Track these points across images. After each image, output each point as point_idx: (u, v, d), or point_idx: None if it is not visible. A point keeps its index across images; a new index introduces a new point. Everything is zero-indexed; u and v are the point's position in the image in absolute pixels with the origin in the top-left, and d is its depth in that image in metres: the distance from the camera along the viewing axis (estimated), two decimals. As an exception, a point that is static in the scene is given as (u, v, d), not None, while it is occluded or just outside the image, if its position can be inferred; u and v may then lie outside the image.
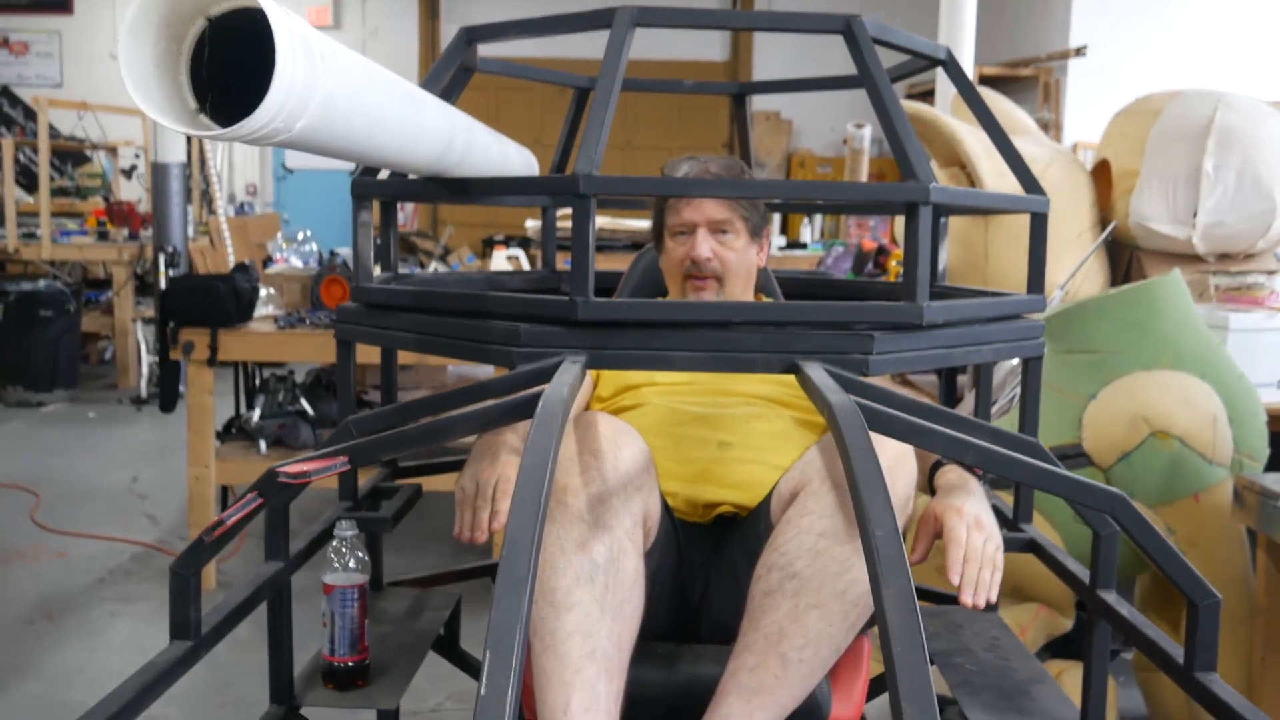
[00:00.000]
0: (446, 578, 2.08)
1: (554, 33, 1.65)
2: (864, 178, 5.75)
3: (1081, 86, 7.39)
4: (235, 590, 1.44)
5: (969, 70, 5.65)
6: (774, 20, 1.62)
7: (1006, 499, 1.90)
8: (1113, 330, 2.73)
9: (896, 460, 1.48)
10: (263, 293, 4.10)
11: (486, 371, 4.04)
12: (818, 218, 6.65)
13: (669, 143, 9.73)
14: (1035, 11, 8.07)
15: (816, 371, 1.32)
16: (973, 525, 1.44)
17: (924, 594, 2.07)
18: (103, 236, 7.45)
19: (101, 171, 8.96)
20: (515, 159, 1.98)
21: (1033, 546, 1.69)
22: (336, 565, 1.58)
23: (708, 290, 1.89)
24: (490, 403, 1.25)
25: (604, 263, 4.01)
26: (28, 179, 8.68)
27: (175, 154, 6.66)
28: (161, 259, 6.25)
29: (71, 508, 4.82)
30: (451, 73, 1.77)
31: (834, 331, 1.43)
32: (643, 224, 5.32)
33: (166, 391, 4.17)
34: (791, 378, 1.84)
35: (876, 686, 1.96)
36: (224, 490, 4.30)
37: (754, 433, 1.78)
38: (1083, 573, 1.55)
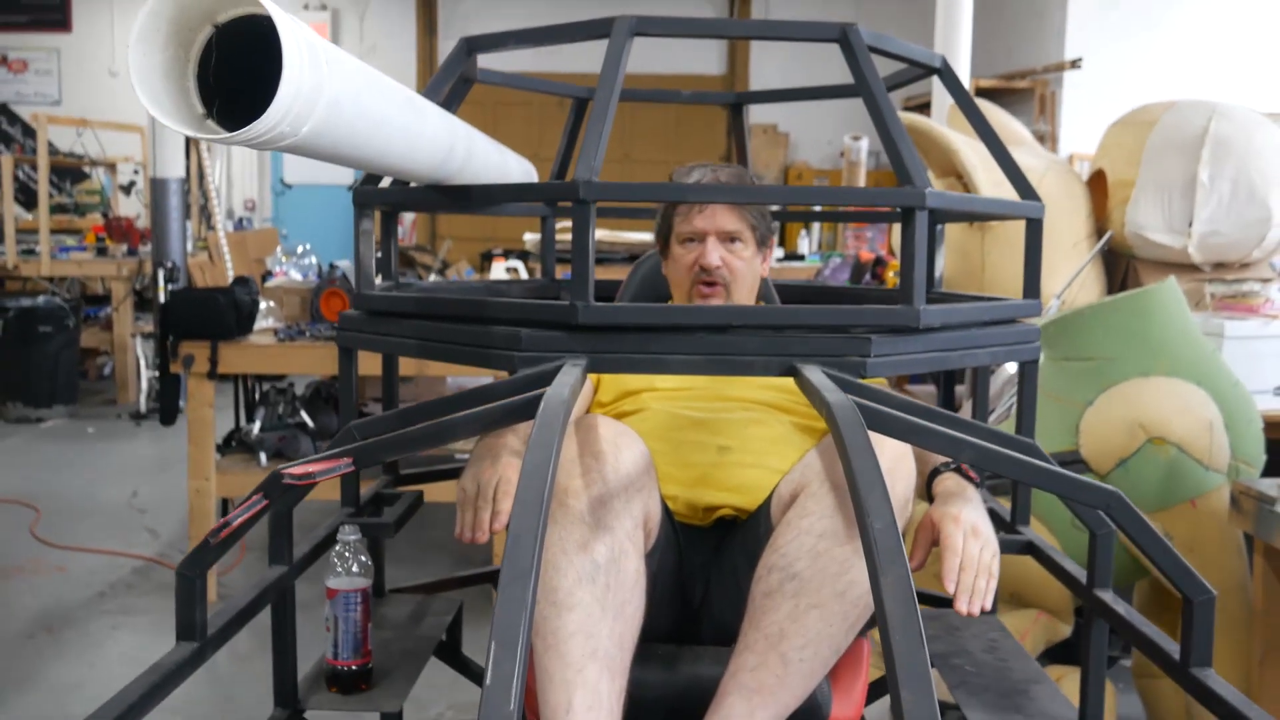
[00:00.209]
0: (448, 584, 2.09)
1: (553, 42, 1.66)
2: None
3: (1077, 99, 7.43)
4: (240, 594, 1.45)
5: (965, 82, 5.67)
6: (770, 29, 1.64)
7: (1006, 505, 1.92)
8: (1109, 337, 2.75)
9: (895, 462, 1.49)
10: (262, 305, 4.12)
11: (486, 383, 4.05)
12: (815, 229, 6.68)
13: (667, 156, 9.77)
14: (1031, 24, 8.12)
15: (815, 373, 1.34)
16: (969, 533, 1.45)
17: (922, 597, 2.08)
18: (101, 252, 7.47)
19: (100, 188, 8.99)
20: (515, 168, 2.00)
21: (1030, 549, 1.70)
22: (340, 569, 1.59)
23: (715, 297, 1.90)
24: (492, 404, 1.26)
25: (602, 274, 4.02)
26: (26, 196, 8.71)
27: (174, 169, 6.68)
28: (161, 274, 6.26)
29: (71, 522, 4.82)
30: (451, 83, 1.79)
31: (832, 335, 1.44)
32: (640, 236, 5.34)
33: (167, 405, 4.18)
34: (790, 383, 1.86)
35: (876, 690, 1.97)
36: (224, 502, 4.30)
37: (753, 437, 1.79)
38: (1080, 573, 1.57)
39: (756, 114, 10.06)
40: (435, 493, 2.09)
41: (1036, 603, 2.77)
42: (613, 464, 1.48)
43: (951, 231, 3.75)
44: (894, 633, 0.86)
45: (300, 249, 4.90)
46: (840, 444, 1.07)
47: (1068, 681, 2.62)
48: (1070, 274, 3.56)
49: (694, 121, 10.29)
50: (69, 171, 9.16)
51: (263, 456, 4.07)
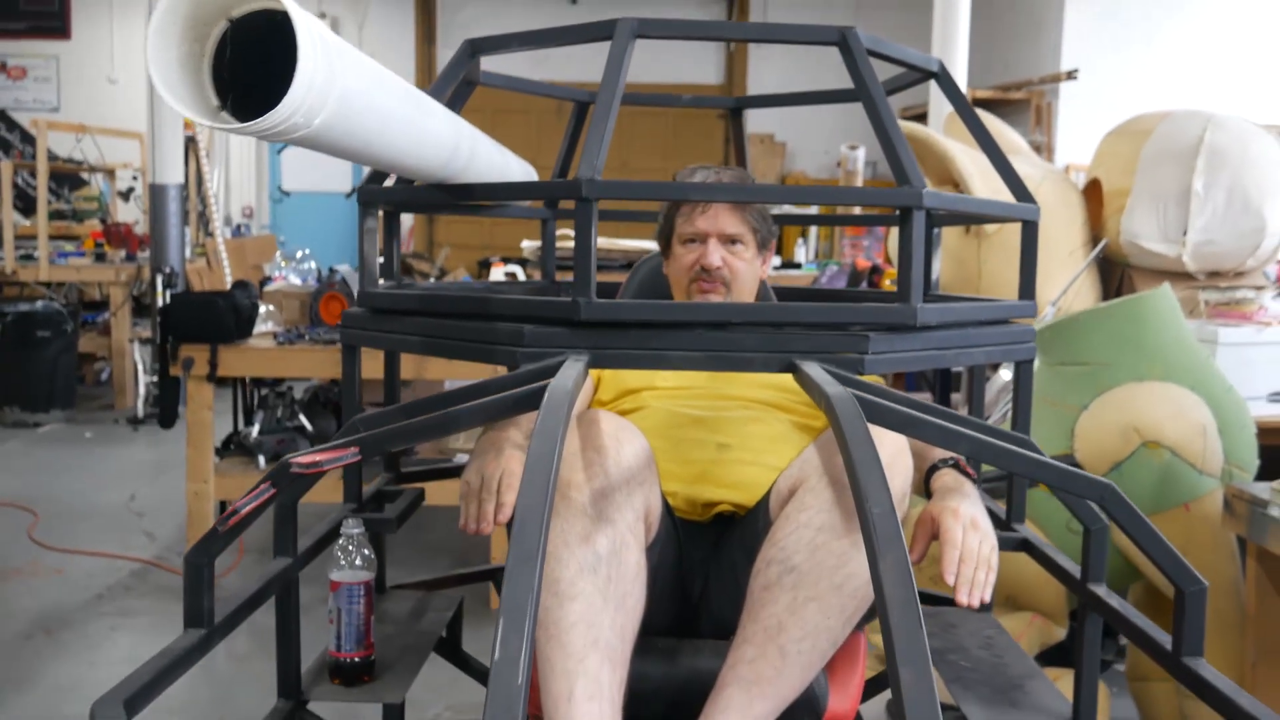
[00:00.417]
0: (448, 582, 2.11)
1: (556, 44, 1.69)
2: (856, 206, 5.80)
3: (1073, 109, 7.48)
4: (246, 585, 1.47)
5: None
6: (770, 32, 1.66)
7: (1001, 506, 1.94)
8: (1104, 343, 2.77)
9: (893, 456, 1.51)
10: (262, 310, 4.14)
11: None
12: (812, 238, 6.71)
13: (665, 164, 9.82)
14: (1027, 35, 8.17)
15: (814, 369, 1.36)
16: (969, 526, 1.47)
17: (920, 596, 2.09)
18: (100, 258, 7.48)
19: (98, 194, 9.01)
20: (516, 170, 2.03)
21: (1026, 545, 1.72)
22: (343, 562, 1.61)
23: (714, 294, 1.93)
24: (497, 395, 1.28)
25: (599, 279, 4.04)
26: (25, 203, 8.72)
27: (173, 175, 6.70)
28: (159, 280, 6.29)
29: (69, 526, 4.83)
30: (455, 86, 1.81)
31: (830, 332, 1.46)
32: (637, 244, 5.37)
33: (166, 407, 4.19)
34: (788, 382, 1.88)
35: (871, 687, 1.99)
36: (222, 505, 4.32)
37: (752, 435, 1.82)
38: (1074, 569, 1.59)
39: (754, 123, 10.10)
40: (434, 496, 2.11)
41: (1031, 606, 2.79)
42: (614, 458, 1.50)
43: (948, 239, 3.78)
44: (893, 613, 0.88)
45: (300, 254, 4.92)
46: (840, 434, 1.09)
47: (1062, 684, 2.62)
48: (1066, 282, 3.59)
49: (691, 131, 10.34)
50: (67, 178, 9.18)
51: (261, 459, 4.09)
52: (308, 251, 5.00)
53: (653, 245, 2.56)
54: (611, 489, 1.48)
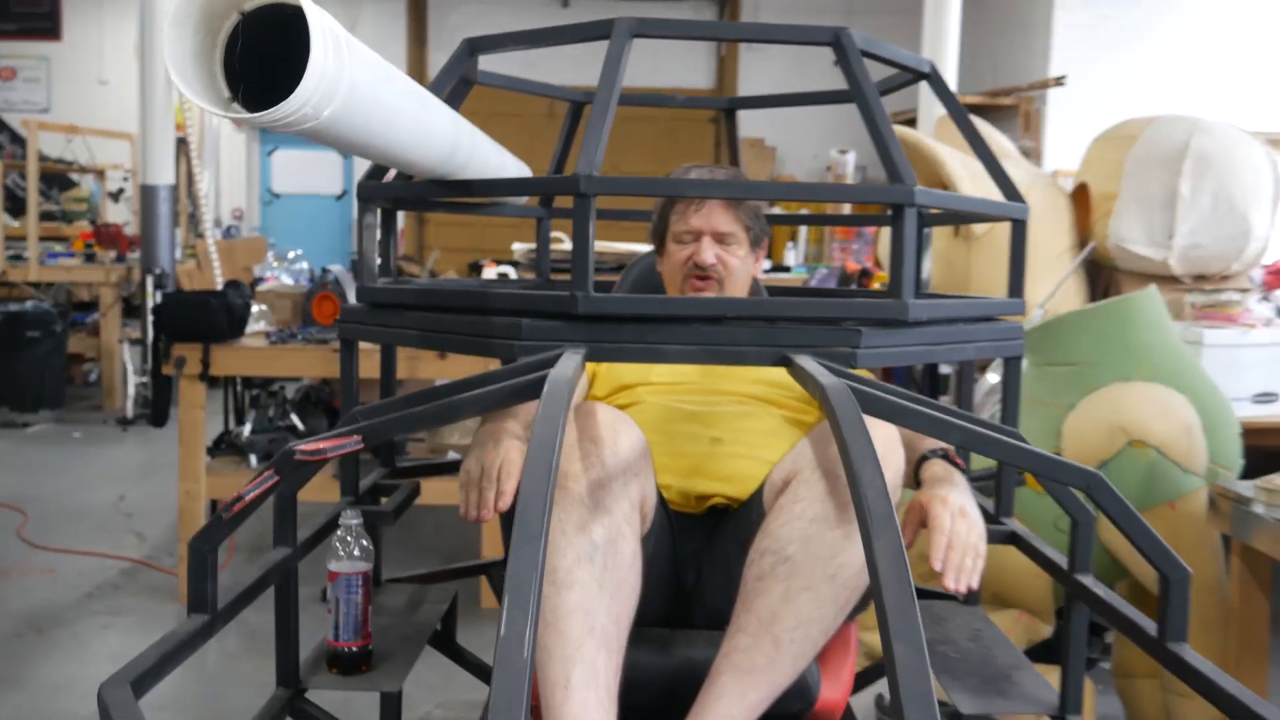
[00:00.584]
0: (442, 576, 2.12)
1: (555, 43, 1.71)
2: (846, 207, 5.85)
3: (1061, 115, 7.53)
4: (246, 575, 1.49)
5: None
6: (765, 32, 1.69)
7: (989, 502, 1.97)
8: (1091, 343, 2.81)
9: (885, 449, 1.53)
10: (254, 309, 4.15)
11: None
12: (802, 241, 6.74)
13: (656, 169, 9.85)
14: (1016, 42, 8.23)
15: (807, 362, 1.38)
16: (957, 513, 1.50)
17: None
18: (90, 259, 7.48)
19: (88, 196, 9.00)
20: (513, 168, 2.05)
21: (1014, 539, 1.75)
22: (342, 553, 1.63)
23: (708, 290, 1.97)
24: (498, 385, 1.30)
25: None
26: (14, 204, 8.72)
27: (164, 176, 6.70)
28: (150, 280, 6.29)
29: (59, 526, 4.83)
30: (452, 85, 1.84)
31: (823, 327, 1.49)
32: (629, 247, 5.39)
33: (158, 406, 4.20)
34: (780, 379, 1.91)
35: (862, 680, 2.01)
36: (214, 504, 4.33)
37: (745, 429, 1.84)
38: (1062, 560, 1.62)
39: (744, 127, 10.09)
40: (424, 495, 2.12)
41: (1017, 603, 2.82)
42: (611, 449, 1.53)
43: (937, 242, 3.82)
44: (887, 590, 0.90)
45: (292, 254, 4.93)
46: (834, 422, 1.11)
47: (1049, 679, 2.67)
48: (1053, 285, 3.62)
49: (682, 135, 10.39)
50: (56, 179, 9.18)
51: (253, 459, 4.10)
52: (300, 252, 5.02)
53: (644, 248, 2.58)
54: (608, 479, 1.50)
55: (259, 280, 5.36)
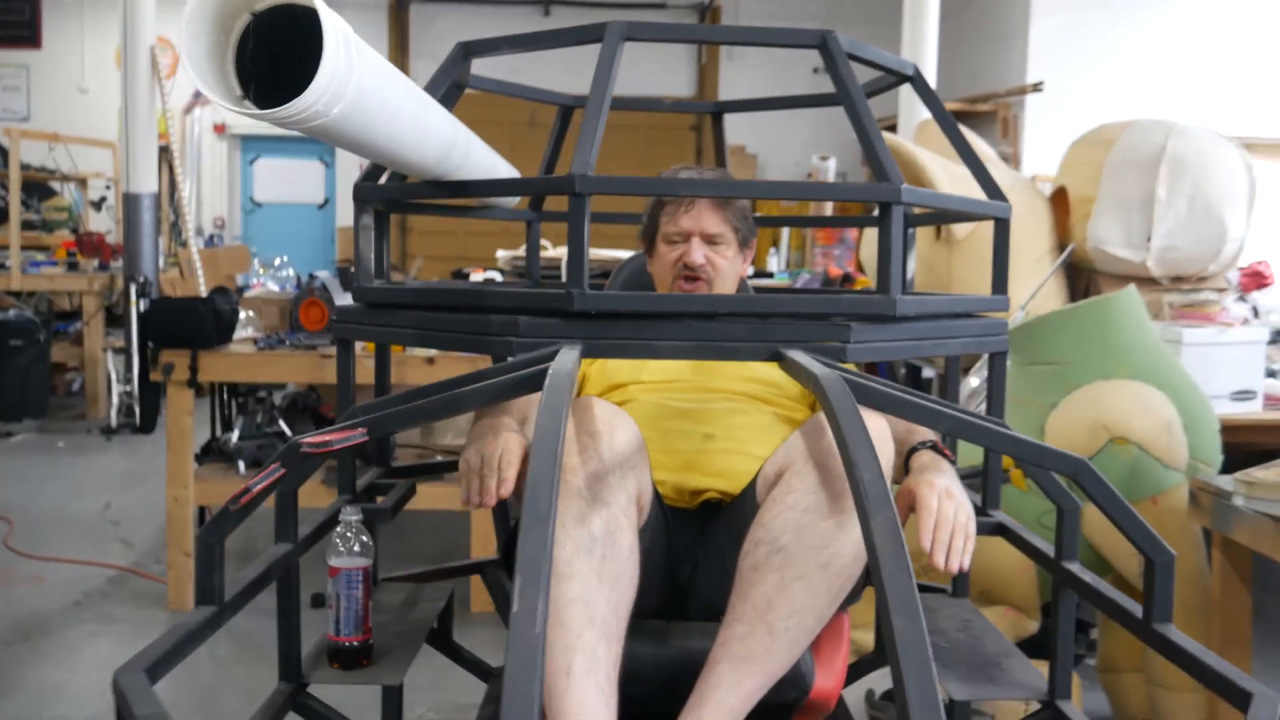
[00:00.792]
0: (437, 574, 2.15)
1: (548, 46, 1.74)
2: (829, 210, 5.90)
3: (1039, 121, 7.61)
4: (250, 568, 1.51)
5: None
6: (754, 35, 1.72)
7: (977, 497, 2.00)
8: (1072, 342, 2.85)
9: (877, 442, 1.55)
10: (242, 315, 4.16)
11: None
12: (784, 246, 6.78)
13: (636, 176, 9.89)
14: (994, 49, 8.31)
15: (800, 356, 1.42)
16: (944, 495, 1.53)
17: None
18: (73, 267, 7.46)
19: (69, 205, 8.98)
20: (505, 170, 2.08)
21: (1001, 529, 1.79)
22: (342, 549, 1.65)
23: (698, 290, 2.01)
24: (500, 378, 1.33)
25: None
26: (-5, 213, 8.69)
27: (147, 185, 6.69)
28: (133, 289, 6.28)
29: (45, 534, 4.82)
30: (444, 89, 1.86)
31: (813, 322, 1.53)
32: (615, 254, 5.43)
33: (146, 412, 4.20)
34: (770, 376, 1.95)
35: (852, 673, 2.04)
36: (202, 511, 4.33)
37: (736, 426, 1.88)
38: (1049, 549, 1.65)
39: (726, 135, 10.20)
40: (416, 500, 2.13)
41: (1004, 599, 2.86)
42: (608, 442, 1.55)
43: (920, 245, 3.86)
44: (884, 566, 0.93)
45: (278, 261, 4.95)
46: (829, 410, 1.15)
47: (1035, 673, 2.71)
48: (1034, 287, 3.67)
49: (663, 143, 10.45)
50: (37, 188, 9.15)
51: (241, 465, 4.11)
52: (286, 259, 5.03)
53: (627, 254, 2.62)
54: (606, 472, 1.53)
55: (244, 288, 5.37)
